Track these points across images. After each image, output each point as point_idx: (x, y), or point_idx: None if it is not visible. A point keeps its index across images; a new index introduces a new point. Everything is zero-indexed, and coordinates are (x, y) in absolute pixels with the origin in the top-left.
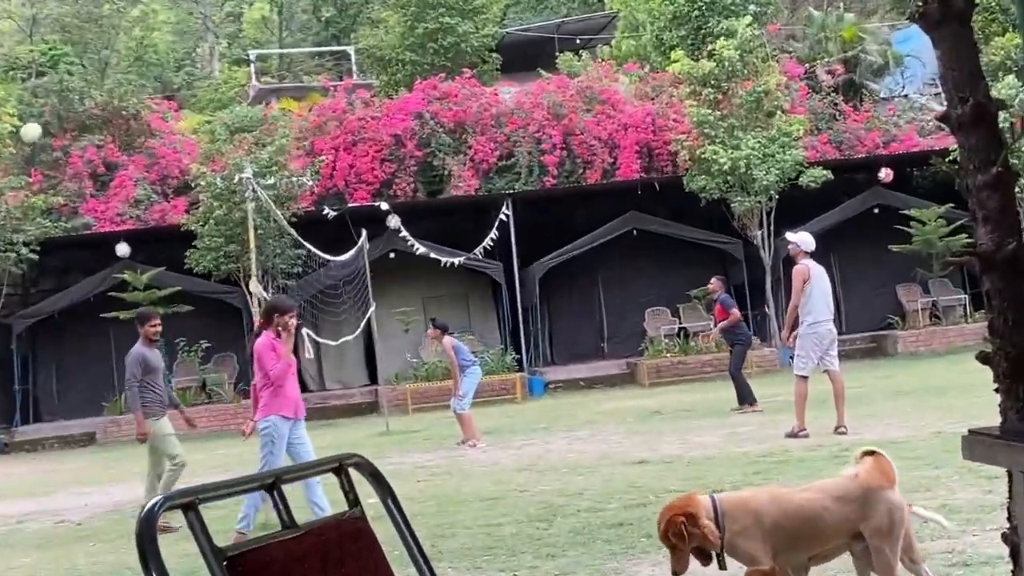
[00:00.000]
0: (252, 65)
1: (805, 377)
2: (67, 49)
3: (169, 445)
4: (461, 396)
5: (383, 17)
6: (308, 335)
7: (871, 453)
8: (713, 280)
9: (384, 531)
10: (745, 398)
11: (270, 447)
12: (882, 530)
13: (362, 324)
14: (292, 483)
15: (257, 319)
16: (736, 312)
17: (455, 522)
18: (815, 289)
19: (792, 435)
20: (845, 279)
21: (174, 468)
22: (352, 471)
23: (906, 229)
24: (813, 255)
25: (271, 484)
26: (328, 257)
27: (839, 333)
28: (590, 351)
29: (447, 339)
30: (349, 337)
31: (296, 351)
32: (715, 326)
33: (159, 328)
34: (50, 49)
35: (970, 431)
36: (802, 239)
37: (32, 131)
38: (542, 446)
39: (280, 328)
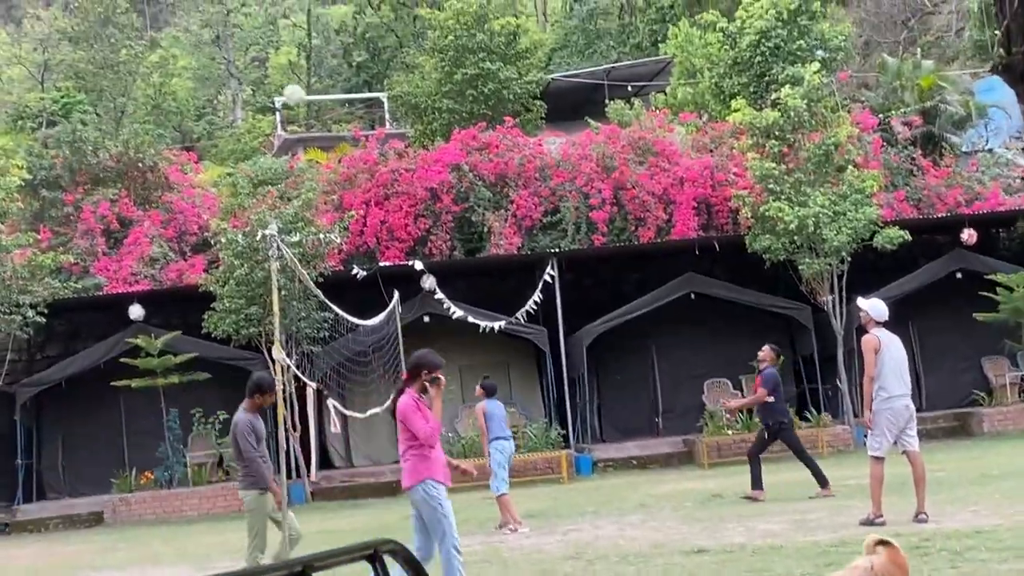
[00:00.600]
0: (277, 114)
1: (881, 458)
2: (81, 97)
3: (257, 522)
4: (494, 474)
5: (419, 62)
6: (334, 407)
7: (884, 543)
8: (766, 348)
9: None
10: (756, 483)
11: (441, 510)
12: None
13: (392, 395)
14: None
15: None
16: (763, 393)
17: None
18: (887, 360)
19: (868, 522)
20: (925, 351)
21: (252, 554)
22: (387, 558)
23: (992, 296)
24: (887, 324)
25: (300, 572)
26: (357, 321)
27: (918, 409)
28: (643, 427)
29: (482, 404)
30: (378, 409)
31: (321, 424)
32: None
33: (273, 401)
34: (63, 97)
35: None
36: (873, 306)
37: (295, 93)
38: (590, 532)
39: (428, 384)
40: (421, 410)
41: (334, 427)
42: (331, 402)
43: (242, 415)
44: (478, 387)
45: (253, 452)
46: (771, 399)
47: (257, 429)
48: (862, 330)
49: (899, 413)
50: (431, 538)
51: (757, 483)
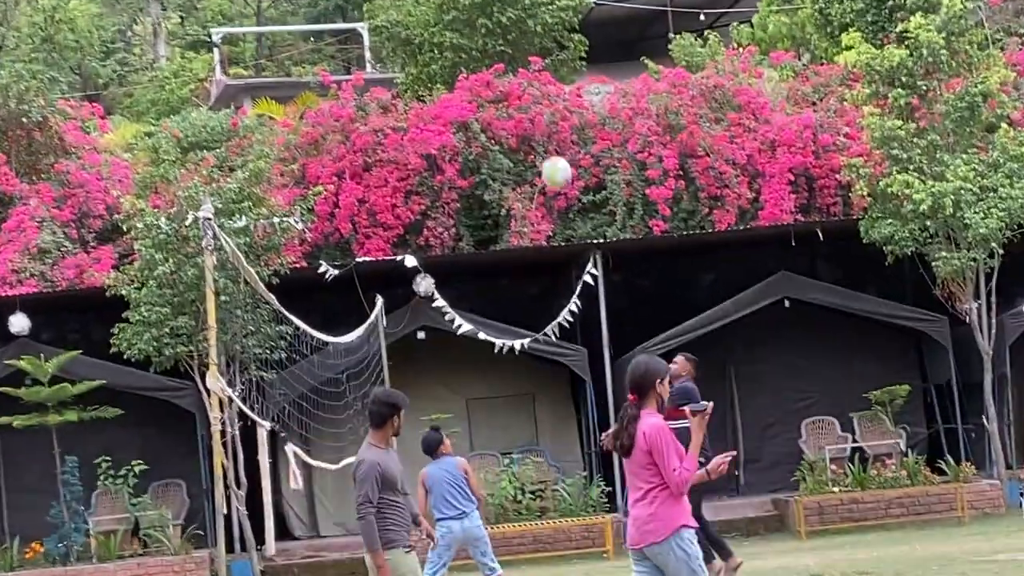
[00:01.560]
0: (216, 51)
1: None
2: None
3: None
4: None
5: None
6: (295, 454)
7: None
8: (679, 358)
9: None
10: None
11: (698, 566)
12: None
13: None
14: None
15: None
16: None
17: None
18: None
19: None
20: None
21: None
22: None
23: None
24: None
25: None
26: (326, 338)
27: None
28: (718, 482)
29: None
30: (353, 458)
31: (276, 478)
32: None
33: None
34: None
35: None
36: None
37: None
38: None
39: (662, 394)
40: (676, 441)
41: (294, 482)
42: (290, 447)
43: (369, 452)
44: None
45: (366, 506)
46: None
47: (388, 469)
48: None
49: None
50: None
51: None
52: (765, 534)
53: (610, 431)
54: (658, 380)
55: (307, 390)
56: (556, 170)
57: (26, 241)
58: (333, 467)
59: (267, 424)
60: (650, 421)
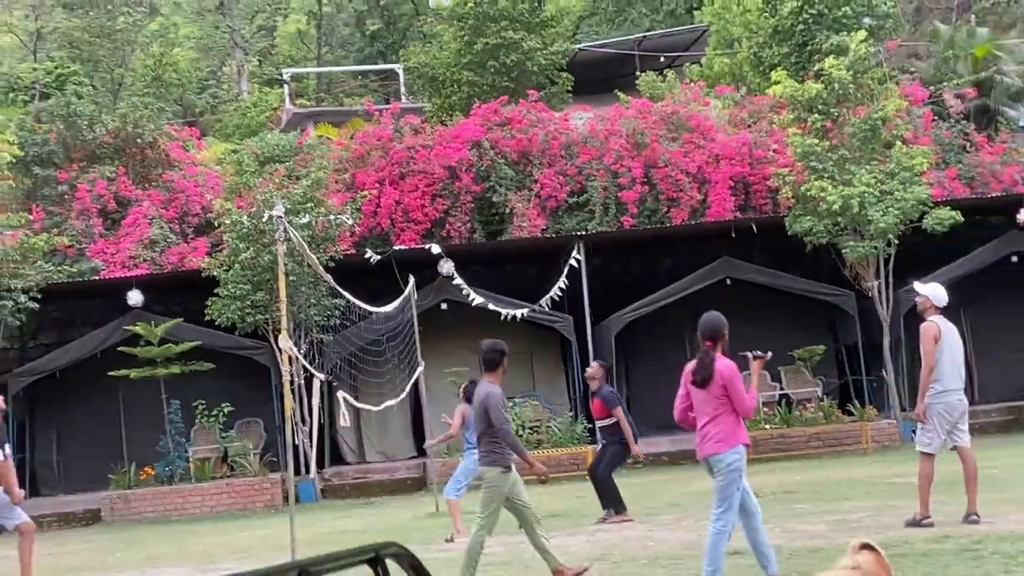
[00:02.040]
0: (286, 86)
1: (931, 455)
2: (76, 68)
3: (494, 500)
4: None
5: (436, 31)
6: (344, 399)
7: (869, 547)
8: (593, 365)
9: None
10: (611, 503)
11: (736, 483)
12: None
13: (408, 386)
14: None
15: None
16: (620, 412)
17: None
18: (945, 351)
19: (914, 523)
20: (978, 340)
21: (480, 532)
22: (390, 562)
23: None
24: (944, 311)
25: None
26: (370, 308)
27: (970, 403)
28: (675, 421)
29: (462, 407)
30: (392, 402)
31: (331, 417)
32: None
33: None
34: (56, 67)
35: None
36: (933, 292)
37: None
38: (617, 532)
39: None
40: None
41: (344, 421)
42: (341, 394)
43: (492, 387)
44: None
45: (507, 425)
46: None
47: (504, 400)
48: (914, 317)
49: (953, 407)
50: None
51: (616, 503)
52: None
53: (688, 367)
54: (724, 332)
55: (356, 349)
56: None
57: (140, 234)
58: (375, 408)
59: (321, 376)
60: (724, 362)
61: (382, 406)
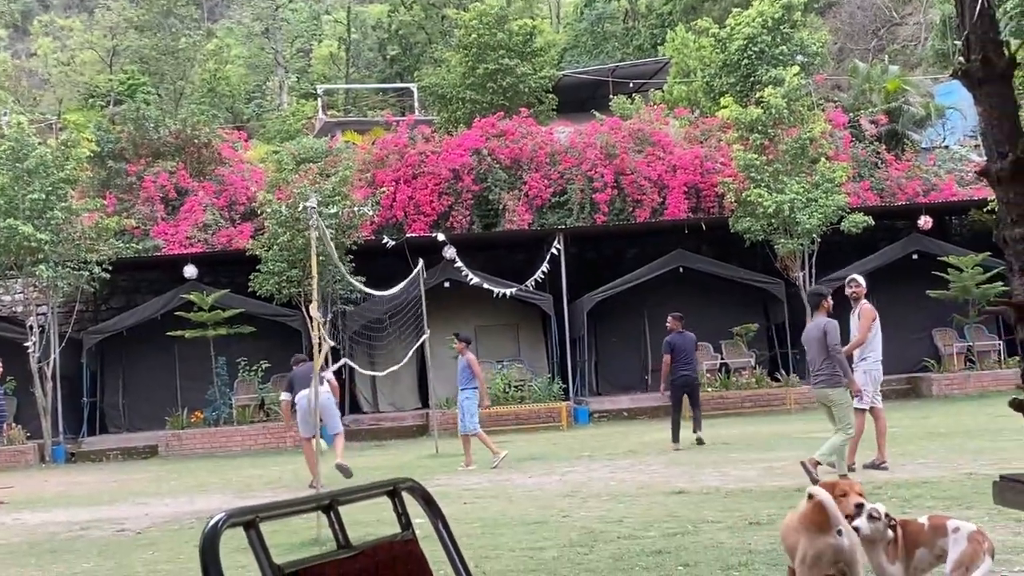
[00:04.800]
0: (319, 99)
1: (863, 410)
2: (144, 79)
3: (847, 411)
4: (473, 415)
5: (445, 57)
6: (346, 363)
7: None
8: (670, 318)
9: (431, 551)
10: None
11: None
12: (802, 562)
13: (410, 352)
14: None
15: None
16: (667, 359)
17: (499, 544)
18: (877, 329)
19: (873, 466)
20: (883, 322)
21: (846, 430)
22: (405, 494)
23: (944, 276)
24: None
25: (328, 505)
26: (375, 293)
27: None
28: (634, 383)
29: (471, 354)
30: (395, 368)
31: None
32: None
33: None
34: (128, 79)
35: (1001, 477)
36: (865, 281)
37: None
38: (585, 473)
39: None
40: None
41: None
42: (343, 359)
43: (827, 320)
44: (457, 342)
45: (837, 348)
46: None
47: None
48: (846, 303)
49: (879, 373)
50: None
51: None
52: (664, 417)
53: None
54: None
55: (374, 318)
56: None
57: (195, 219)
58: (380, 374)
59: (330, 342)
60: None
61: (386, 372)
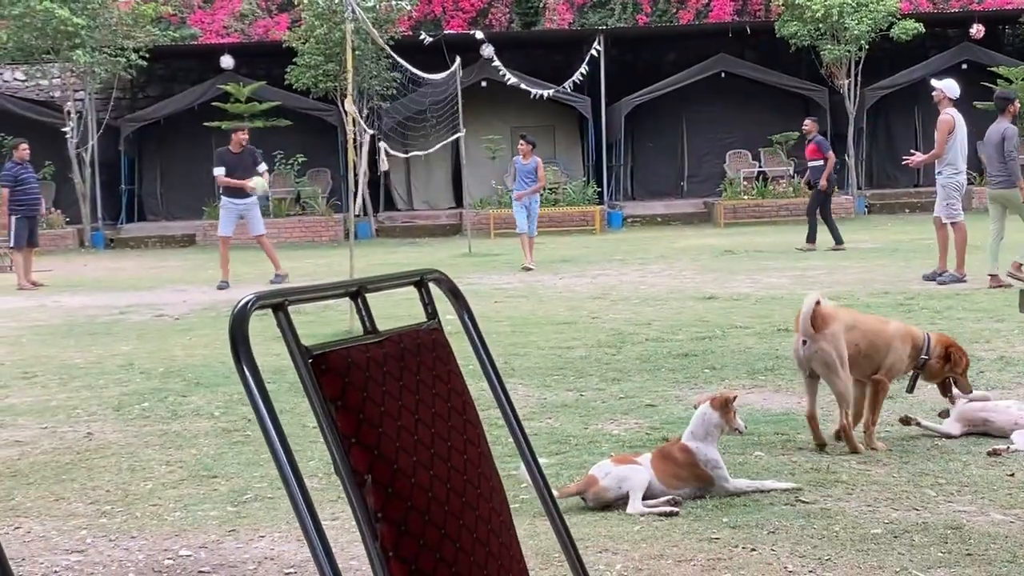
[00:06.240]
0: None
1: (962, 222)
2: None
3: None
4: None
5: None
6: (384, 149)
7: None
8: (808, 121)
9: (459, 348)
10: (836, 238)
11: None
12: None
13: (442, 142)
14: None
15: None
16: (832, 155)
17: (528, 342)
18: (958, 139)
19: (955, 280)
20: (927, 135)
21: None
22: (432, 286)
23: (992, 87)
24: (956, 103)
25: (355, 291)
26: (422, 75)
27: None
28: (669, 189)
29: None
30: (437, 146)
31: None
32: (808, 166)
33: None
34: None
35: None
36: (947, 86)
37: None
38: (616, 277)
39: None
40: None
41: (384, 165)
42: (382, 144)
43: (1008, 125)
44: (522, 143)
45: (1016, 156)
46: (820, 162)
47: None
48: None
49: (963, 184)
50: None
51: (812, 237)
52: (698, 224)
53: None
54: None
55: (408, 115)
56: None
57: (232, 8)
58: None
59: (370, 131)
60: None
61: (427, 152)
